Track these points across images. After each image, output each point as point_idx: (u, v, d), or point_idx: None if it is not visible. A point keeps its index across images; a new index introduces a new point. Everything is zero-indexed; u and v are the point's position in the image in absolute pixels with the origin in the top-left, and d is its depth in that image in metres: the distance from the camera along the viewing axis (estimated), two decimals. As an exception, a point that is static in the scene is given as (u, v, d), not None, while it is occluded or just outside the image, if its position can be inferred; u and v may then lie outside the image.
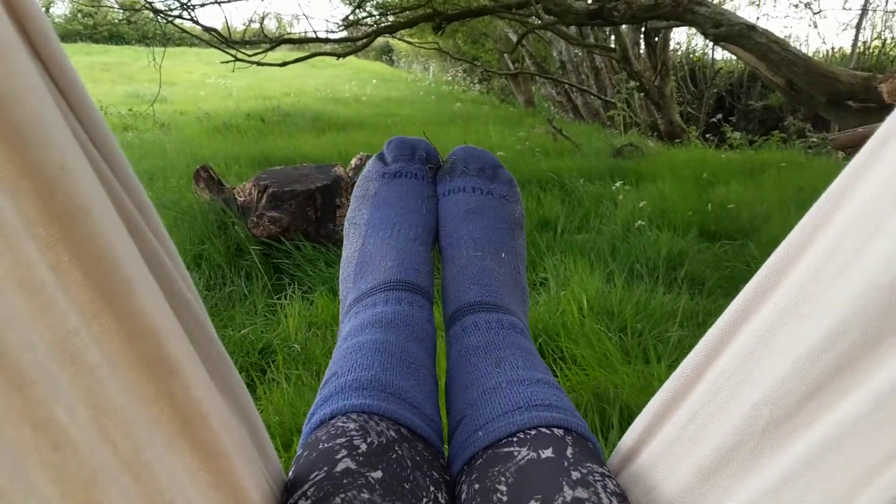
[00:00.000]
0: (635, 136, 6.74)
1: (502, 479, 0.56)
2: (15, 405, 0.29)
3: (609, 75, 9.89)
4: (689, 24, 5.48)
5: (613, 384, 1.83)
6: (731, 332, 0.51)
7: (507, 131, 7.16)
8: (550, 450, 0.57)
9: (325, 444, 0.57)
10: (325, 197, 2.98)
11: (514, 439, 0.61)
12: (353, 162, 3.32)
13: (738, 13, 5.41)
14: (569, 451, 0.57)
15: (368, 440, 0.57)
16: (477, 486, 0.57)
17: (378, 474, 0.53)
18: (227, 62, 6.00)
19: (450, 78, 17.66)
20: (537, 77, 11.16)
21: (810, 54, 8.35)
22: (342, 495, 0.50)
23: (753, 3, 12.59)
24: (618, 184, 4.12)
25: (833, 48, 10.84)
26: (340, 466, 0.53)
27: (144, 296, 0.38)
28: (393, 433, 0.60)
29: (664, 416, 0.57)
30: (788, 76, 5.42)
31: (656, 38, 8.24)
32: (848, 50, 10.06)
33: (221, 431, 0.44)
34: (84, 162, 0.36)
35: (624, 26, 7.52)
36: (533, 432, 0.61)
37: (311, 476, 0.53)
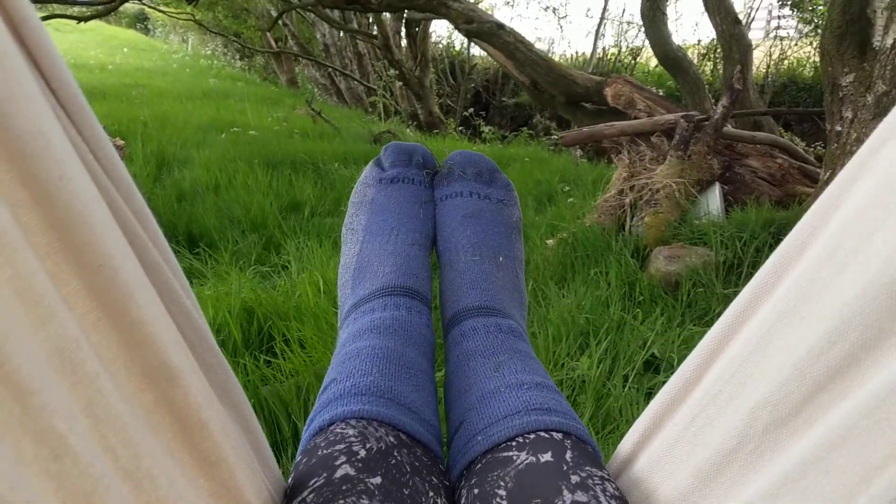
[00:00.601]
0: (395, 124, 6.89)
1: (501, 483, 0.56)
2: (15, 415, 0.29)
3: (372, 62, 9.96)
4: (444, 17, 5.67)
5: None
6: (731, 334, 0.51)
7: (266, 110, 7.09)
8: (549, 454, 0.57)
9: (324, 451, 0.56)
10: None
11: (514, 443, 0.61)
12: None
13: (496, 12, 5.67)
14: (568, 455, 0.57)
15: (367, 446, 0.57)
16: (476, 490, 0.57)
17: (377, 480, 0.53)
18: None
19: (209, 52, 17.10)
20: (300, 58, 11.10)
21: (558, 57, 8.72)
22: (341, 501, 0.50)
23: (508, 3, 13.05)
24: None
25: (577, 52, 11.37)
26: (339, 472, 0.53)
27: (143, 304, 0.38)
28: (392, 439, 0.60)
29: (663, 419, 0.57)
30: (533, 75, 5.67)
31: (416, 29, 8.37)
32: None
33: (221, 439, 0.44)
34: (83, 171, 0.36)
35: (386, 14, 7.67)
36: (532, 436, 0.61)
37: (311, 482, 0.53)
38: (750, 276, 2.95)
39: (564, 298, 2.58)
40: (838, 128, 3.36)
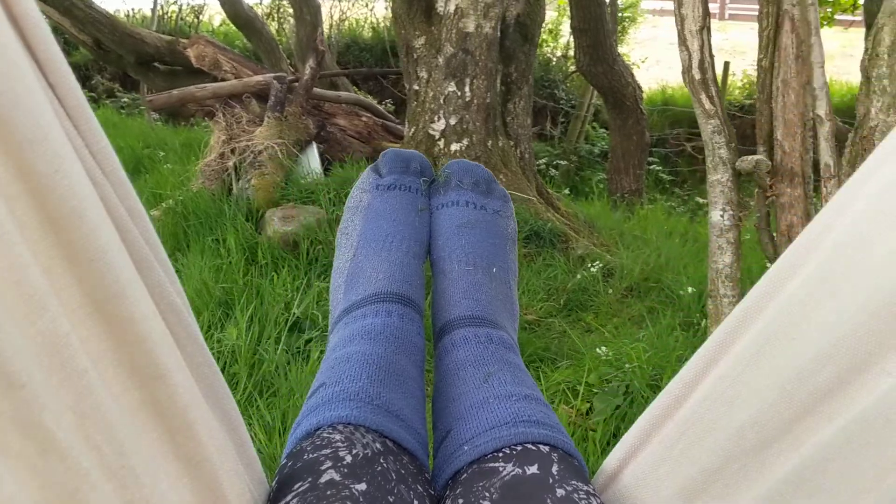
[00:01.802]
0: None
1: (487, 494, 0.56)
2: (2, 409, 0.29)
3: None
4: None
5: None
6: (720, 353, 0.51)
7: None
8: (536, 466, 0.58)
9: (310, 455, 0.56)
10: None
11: (500, 455, 0.61)
12: None
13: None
14: (554, 469, 0.57)
15: (353, 452, 0.57)
16: (461, 501, 0.57)
17: (362, 487, 0.53)
18: None
19: None
20: None
21: (114, 13, 8.44)
22: None
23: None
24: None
25: (134, 10, 10.94)
26: (325, 478, 0.53)
27: (134, 301, 0.38)
28: (378, 445, 0.60)
29: (650, 436, 0.57)
30: (95, 35, 5.55)
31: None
32: (149, 12, 10.15)
33: (206, 439, 0.44)
34: (78, 166, 0.36)
35: None
36: (519, 448, 0.61)
37: (295, 486, 0.53)
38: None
39: (187, 269, 2.54)
40: (416, 87, 3.53)
